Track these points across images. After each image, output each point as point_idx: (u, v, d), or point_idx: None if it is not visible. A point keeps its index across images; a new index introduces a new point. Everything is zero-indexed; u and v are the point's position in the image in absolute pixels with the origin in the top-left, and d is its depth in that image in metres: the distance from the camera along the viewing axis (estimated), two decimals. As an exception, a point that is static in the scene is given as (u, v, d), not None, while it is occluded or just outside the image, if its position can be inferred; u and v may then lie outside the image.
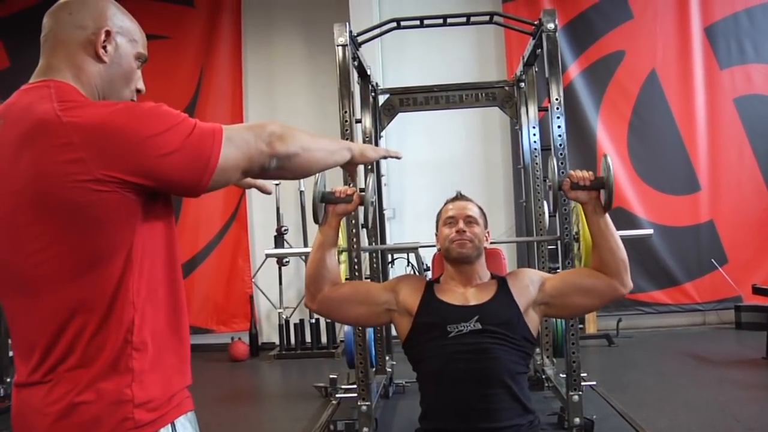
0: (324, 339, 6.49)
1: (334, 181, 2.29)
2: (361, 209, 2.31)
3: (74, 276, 1.18)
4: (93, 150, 1.15)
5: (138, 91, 1.42)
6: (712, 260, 6.59)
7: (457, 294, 2.35)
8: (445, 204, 2.54)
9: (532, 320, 2.31)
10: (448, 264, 2.43)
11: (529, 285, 2.35)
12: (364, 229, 4.62)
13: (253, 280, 6.92)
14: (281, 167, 1.38)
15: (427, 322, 2.28)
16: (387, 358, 4.85)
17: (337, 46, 3.55)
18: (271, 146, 1.33)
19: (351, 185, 2.57)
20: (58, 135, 1.16)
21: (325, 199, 2.24)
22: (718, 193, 6.68)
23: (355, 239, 3.48)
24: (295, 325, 6.52)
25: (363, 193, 2.27)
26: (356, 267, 3.50)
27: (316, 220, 2.25)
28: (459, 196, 2.54)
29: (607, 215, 2.20)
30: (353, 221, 3.51)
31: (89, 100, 1.27)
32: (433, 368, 2.24)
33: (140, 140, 1.18)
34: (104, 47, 1.33)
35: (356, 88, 4.59)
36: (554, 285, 2.35)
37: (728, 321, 6.59)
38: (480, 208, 2.49)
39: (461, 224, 2.38)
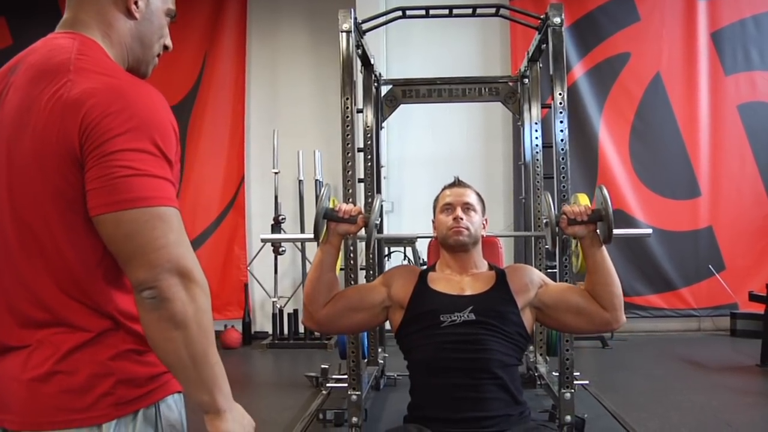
0: (317, 330, 6.44)
1: (339, 197, 2.24)
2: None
3: (65, 239, 1.14)
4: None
5: (165, 47, 1.36)
6: (710, 266, 6.57)
7: (452, 282, 2.32)
8: (443, 190, 2.49)
9: (528, 318, 2.28)
10: (444, 251, 2.40)
11: (528, 284, 2.31)
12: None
13: (248, 268, 6.89)
14: (151, 306, 1.10)
15: (419, 312, 2.25)
16: (379, 350, 4.82)
17: (341, 32, 3.51)
18: (172, 272, 1.09)
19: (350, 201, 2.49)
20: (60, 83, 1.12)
21: (328, 217, 2.18)
22: (718, 199, 6.66)
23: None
24: (288, 314, 6.49)
25: (368, 215, 2.22)
26: (351, 257, 3.47)
27: (316, 237, 2.20)
28: (457, 182, 2.49)
29: (604, 249, 2.16)
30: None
31: (111, 68, 1.19)
32: (424, 357, 2.21)
33: (112, 134, 1.09)
34: (136, 2, 1.27)
35: (359, 78, 4.57)
36: (551, 295, 2.30)
37: (723, 328, 6.57)
38: (478, 195, 2.45)
39: (459, 211, 2.35)
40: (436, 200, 2.49)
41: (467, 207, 2.37)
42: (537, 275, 2.38)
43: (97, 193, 1.08)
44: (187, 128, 6.97)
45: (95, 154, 1.08)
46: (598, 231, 2.15)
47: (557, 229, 2.18)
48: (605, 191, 2.09)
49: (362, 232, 2.28)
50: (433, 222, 2.49)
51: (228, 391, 1.19)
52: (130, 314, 1.17)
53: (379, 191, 4.88)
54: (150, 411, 1.19)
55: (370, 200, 4.62)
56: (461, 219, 2.33)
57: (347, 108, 3.49)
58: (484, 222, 2.44)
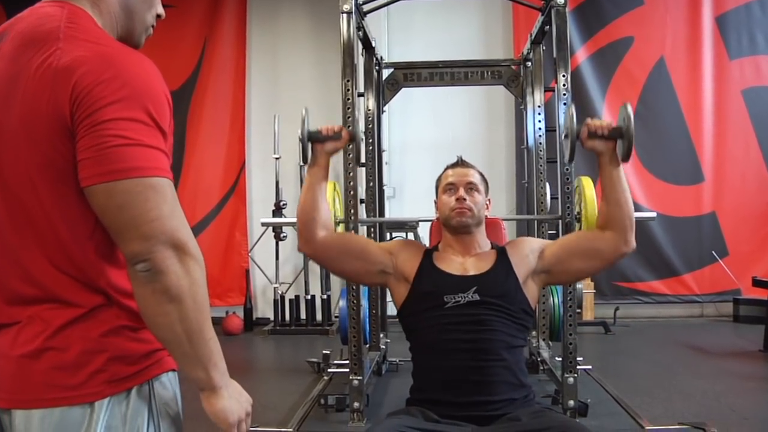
0: (319, 316, 6.45)
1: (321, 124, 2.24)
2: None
3: (55, 212, 1.10)
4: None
5: (158, 16, 1.30)
6: (713, 252, 6.55)
7: (455, 263, 2.28)
8: (445, 170, 2.45)
9: (531, 291, 2.25)
10: (447, 232, 2.36)
11: (529, 254, 2.28)
12: (363, 205, 4.59)
13: (249, 254, 6.87)
14: (145, 279, 1.06)
15: (424, 290, 2.22)
16: (381, 335, 4.80)
17: (342, 13, 3.48)
18: (166, 244, 1.05)
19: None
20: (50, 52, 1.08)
21: (312, 138, 2.20)
22: (722, 184, 6.64)
23: (352, 211, 3.41)
24: (290, 301, 6.47)
25: (351, 129, 2.25)
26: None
27: (305, 161, 2.22)
28: (460, 162, 2.45)
29: (621, 168, 2.12)
30: (351, 193, 3.45)
31: (101, 36, 1.15)
32: (428, 339, 2.18)
33: (104, 102, 1.05)
34: None
35: (360, 61, 4.53)
36: (554, 252, 2.28)
37: (726, 314, 6.55)
38: (481, 174, 2.41)
39: (462, 192, 2.31)
40: (439, 180, 2.45)
41: (470, 187, 2.33)
42: (536, 242, 2.37)
43: (88, 163, 1.04)
44: (188, 114, 6.95)
45: (86, 123, 1.04)
46: (617, 149, 2.10)
47: (577, 140, 2.12)
48: (629, 109, 2.04)
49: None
50: (436, 202, 2.46)
51: (224, 368, 1.16)
52: (124, 290, 1.14)
53: (380, 176, 4.85)
54: (144, 389, 1.15)
55: (371, 185, 4.59)
56: (464, 199, 2.29)
57: (348, 90, 3.45)
58: (488, 202, 2.40)
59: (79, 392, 1.09)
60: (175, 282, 1.06)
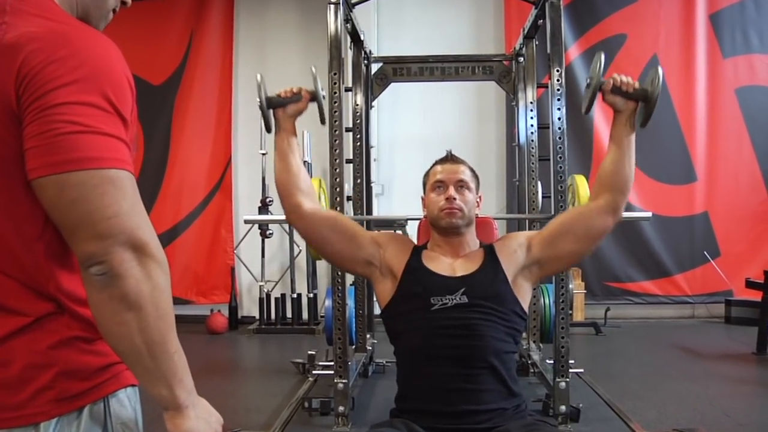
0: (305, 315, 6.34)
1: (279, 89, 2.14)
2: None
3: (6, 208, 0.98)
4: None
5: (123, 3, 1.17)
6: (705, 253, 6.48)
7: (444, 263, 2.15)
8: (434, 165, 2.31)
9: (522, 290, 2.11)
10: (436, 233, 2.23)
11: (517, 249, 2.15)
12: (350, 202, 4.48)
13: (235, 251, 6.76)
14: (100, 284, 0.93)
15: (410, 290, 2.09)
16: (368, 336, 4.70)
17: (329, 4, 3.37)
18: (125, 244, 0.93)
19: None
20: None
21: (272, 104, 2.10)
22: (715, 184, 6.57)
23: (338, 208, 3.30)
24: (276, 299, 6.36)
25: (311, 90, 2.14)
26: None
27: (268, 129, 2.13)
28: (450, 157, 2.31)
29: (634, 133, 2.01)
30: (338, 189, 3.34)
31: (56, 12, 1.03)
32: (413, 344, 2.05)
33: (56, 84, 0.93)
34: None
35: (348, 55, 4.42)
36: (541, 240, 2.15)
37: (718, 315, 6.48)
38: (472, 171, 2.27)
39: (451, 190, 2.17)
40: (427, 176, 2.32)
41: (461, 185, 2.20)
42: (522, 235, 2.23)
43: (36, 152, 0.92)
44: (173, 109, 6.85)
45: (35, 107, 0.92)
46: (637, 112, 1.98)
47: (599, 91, 1.98)
48: (660, 72, 1.92)
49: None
50: (423, 200, 2.32)
51: (191, 385, 1.03)
52: (77, 296, 1.01)
53: (368, 173, 4.74)
54: (97, 407, 1.03)
55: (359, 181, 4.48)
56: (454, 199, 2.16)
57: (335, 84, 3.35)
58: (478, 200, 2.27)
59: (21, 413, 0.98)
60: (135, 287, 0.94)
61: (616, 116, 2.01)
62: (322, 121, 2.21)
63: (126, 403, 1.08)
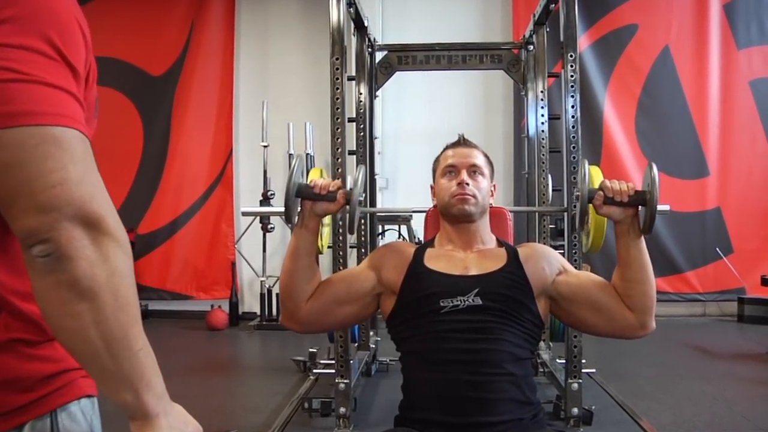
0: (307, 311, 6.20)
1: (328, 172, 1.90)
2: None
3: None
4: None
5: None
6: (717, 249, 6.32)
7: (454, 260, 1.96)
8: (444, 149, 2.13)
9: (542, 307, 1.92)
10: (446, 222, 2.05)
11: (546, 268, 1.94)
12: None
13: (236, 246, 6.62)
14: (45, 267, 0.75)
15: (414, 297, 1.89)
16: (371, 333, 4.55)
17: (331, -14, 3.22)
18: (74, 219, 0.75)
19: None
20: None
21: (302, 194, 1.82)
22: (728, 179, 6.40)
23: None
24: (277, 294, 6.21)
25: (350, 190, 1.85)
26: (340, 233, 3.18)
27: (287, 220, 1.84)
28: (462, 141, 2.14)
29: (642, 239, 1.82)
30: (339, 180, 3.18)
31: None
32: (421, 349, 1.85)
33: None
34: None
35: (352, 42, 4.27)
36: (570, 284, 1.93)
37: (730, 313, 6.32)
38: (486, 156, 2.10)
39: (464, 175, 1.99)
40: (437, 162, 2.14)
41: (474, 170, 2.03)
42: (555, 258, 2.00)
43: None
44: (173, 100, 6.73)
45: None
46: (638, 217, 1.82)
47: (588, 206, 1.83)
48: (655, 171, 1.76)
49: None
50: (432, 188, 2.15)
51: (161, 388, 0.84)
52: (19, 289, 0.85)
53: (372, 165, 4.59)
54: (42, 423, 0.87)
55: (362, 173, 4.32)
56: (467, 184, 1.98)
57: (337, 69, 3.19)
58: (492, 188, 2.09)
59: None
60: (88, 271, 0.75)
61: (617, 227, 1.84)
62: (350, 228, 1.94)
63: (79, 417, 0.91)
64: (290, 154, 6.20)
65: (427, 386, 1.82)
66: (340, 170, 3.17)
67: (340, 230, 3.16)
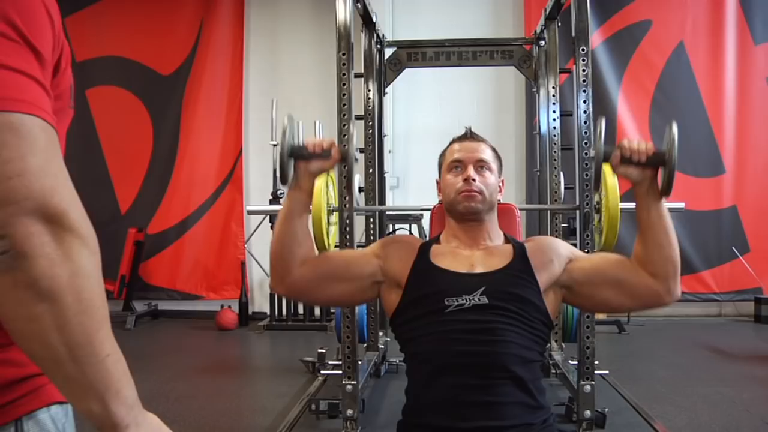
0: (317, 311, 6.15)
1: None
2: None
3: None
4: None
5: None
6: (733, 248, 6.21)
7: (460, 258, 1.89)
8: (451, 144, 2.05)
9: (552, 302, 1.85)
10: (452, 219, 1.98)
11: (554, 259, 1.87)
12: (362, 193, 4.27)
13: (246, 245, 6.59)
14: (2, 266, 0.69)
15: (418, 295, 1.83)
16: (380, 333, 4.49)
17: (338, -20, 3.16)
18: (33, 214, 0.69)
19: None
20: None
21: (295, 154, 1.78)
22: (744, 177, 6.30)
23: (347, 198, 3.07)
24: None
25: (345, 146, 1.81)
26: (347, 231, 3.12)
27: (283, 180, 1.80)
28: (469, 134, 2.05)
29: (662, 201, 1.74)
30: (345, 177, 3.12)
31: None
32: (425, 350, 1.78)
33: None
34: None
35: (361, 38, 4.22)
36: (583, 268, 1.86)
37: (746, 313, 6.23)
38: (494, 150, 2.02)
39: (471, 171, 1.91)
40: (443, 156, 2.06)
41: (481, 165, 1.94)
42: (564, 247, 1.94)
43: None
44: (183, 99, 6.72)
45: None
46: (658, 178, 1.73)
47: (602, 165, 1.76)
48: (675, 130, 1.67)
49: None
50: (438, 183, 2.07)
51: (132, 398, 0.78)
52: None
53: (381, 164, 4.52)
54: None
55: (371, 171, 4.27)
56: (473, 180, 1.90)
57: (343, 65, 3.13)
58: (501, 184, 2.01)
59: None
60: (47, 270, 0.70)
61: (636, 189, 1.75)
62: (349, 189, 1.86)
63: (49, 425, 0.85)
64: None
65: (431, 390, 1.75)
66: (346, 167, 3.10)
67: (347, 230, 3.09)
